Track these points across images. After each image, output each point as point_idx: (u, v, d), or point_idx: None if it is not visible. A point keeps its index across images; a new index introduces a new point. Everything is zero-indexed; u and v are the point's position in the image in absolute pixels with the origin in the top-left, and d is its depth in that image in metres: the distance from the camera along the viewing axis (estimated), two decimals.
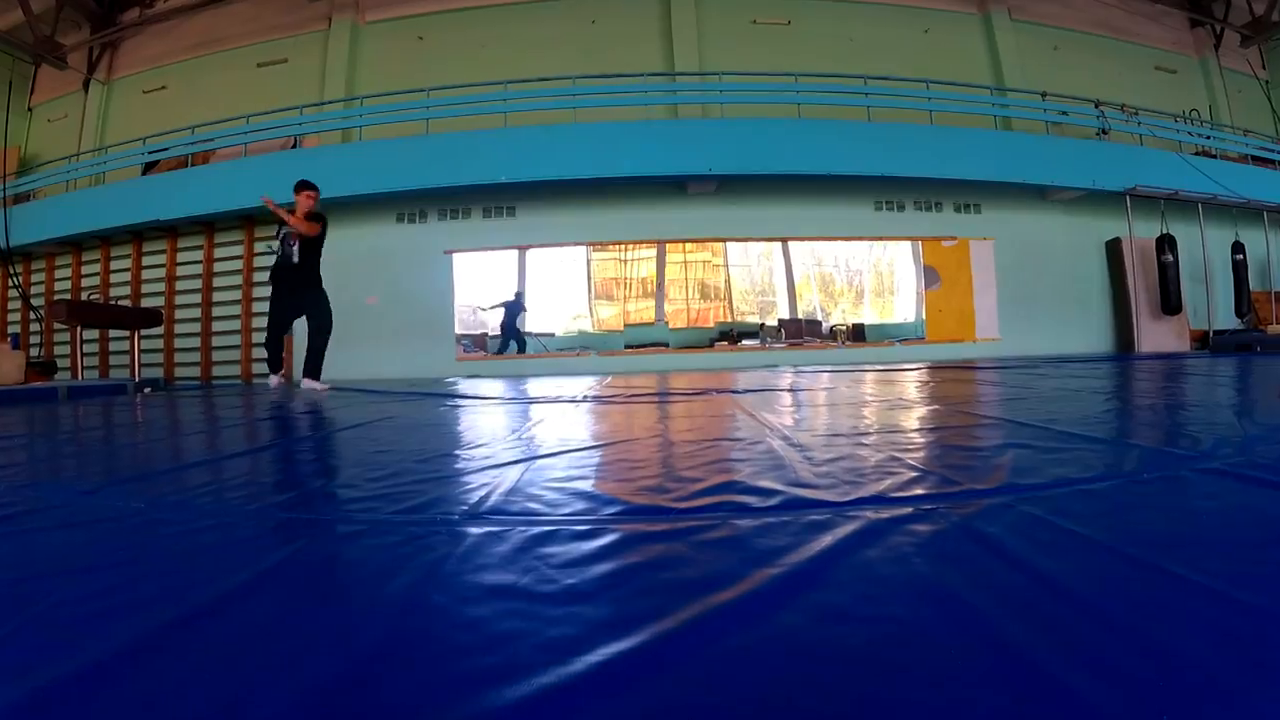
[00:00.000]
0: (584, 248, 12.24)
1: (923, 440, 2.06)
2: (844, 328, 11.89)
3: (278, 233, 5.98)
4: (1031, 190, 10.54)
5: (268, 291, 10.23)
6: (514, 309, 12.62)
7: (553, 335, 13.35)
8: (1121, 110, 10.88)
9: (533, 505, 1.29)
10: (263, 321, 10.25)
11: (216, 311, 10.50)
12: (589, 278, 13.70)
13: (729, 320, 13.12)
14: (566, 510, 1.25)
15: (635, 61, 10.83)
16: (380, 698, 0.58)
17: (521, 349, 12.27)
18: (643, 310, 13.58)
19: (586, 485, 1.49)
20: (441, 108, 9.91)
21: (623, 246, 12.72)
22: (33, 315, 11.19)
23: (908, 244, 11.79)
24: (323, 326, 6.28)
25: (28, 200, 11.67)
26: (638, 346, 11.39)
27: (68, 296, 10.75)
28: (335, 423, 3.09)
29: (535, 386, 5.96)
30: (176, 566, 0.98)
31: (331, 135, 10.62)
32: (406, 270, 10.15)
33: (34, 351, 10.59)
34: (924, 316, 11.07)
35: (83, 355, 8.45)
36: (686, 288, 13.77)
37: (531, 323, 13.22)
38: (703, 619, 0.71)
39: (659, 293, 13.22)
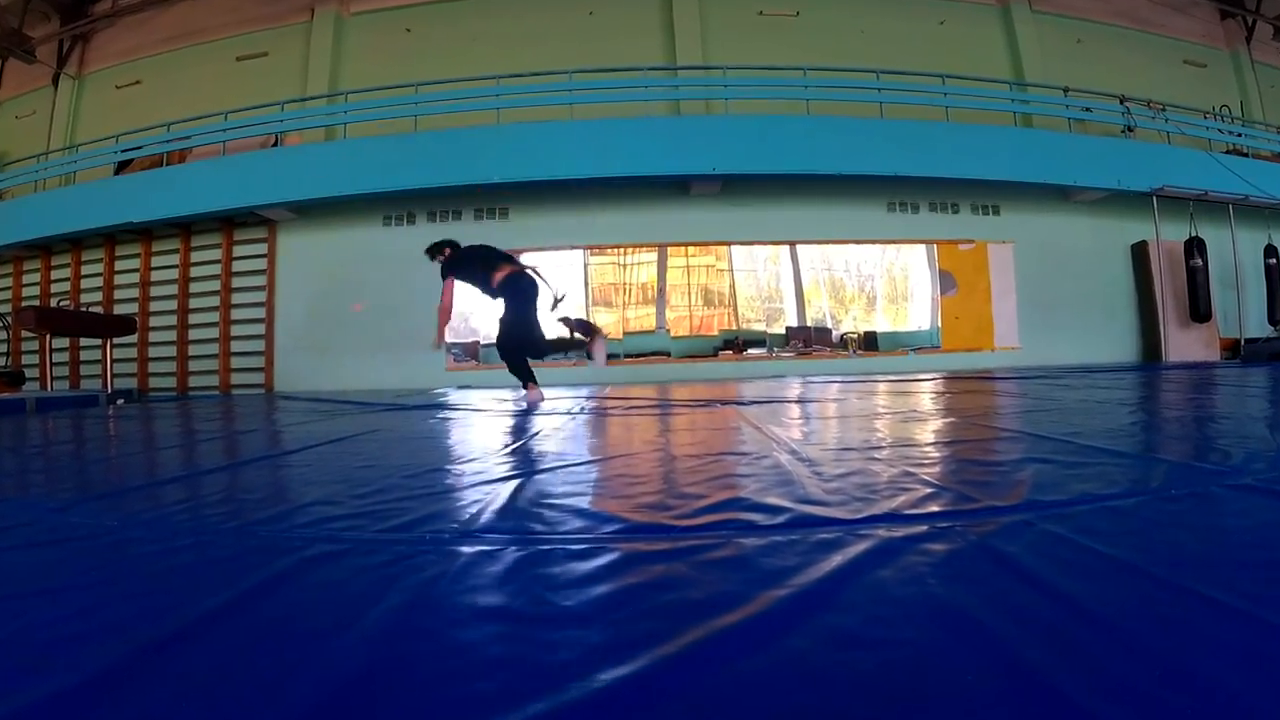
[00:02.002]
0: (581, 252, 12.22)
1: (938, 455, 2.06)
2: (855, 336, 11.88)
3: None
4: (1053, 191, 10.57)
5: (247, 298, 10.40)
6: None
7: None
8: (1148, 106, 10.92)
9: (527, 523, 1.30)
10: (242, 330, 10.35)
11: (194, 319, 10.51)
12: (586, 283, 13.69)
13: (734, 328, 13.09)
14: (563, 528, 1.25)
15: (635, 54, 10.88)
16: None
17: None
18: (643, 318, 13.56)
19: (584, 502, 1.50)
20: (430, 104, 9.94)
21: (622, 250, 12.71)
22: None
23: (922, 247, 11.79)
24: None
25: None
26: (637, 356, 11.38)
27: (36, 303, 10.77)
28: (318, 436, 3.09)
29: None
30: (151, 587, 0.99)
31: (314, 133, 10.66)
32: (394, 275, 10.16)
33: (0, 361, 10.60)
34: (940, 324, 11.08)
35: (52, 365, 8.46)
36: (689, 294, 13.75)
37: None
38: (706, 643, 0.71)
39: (660, 299, 13.21)
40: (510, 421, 3.67)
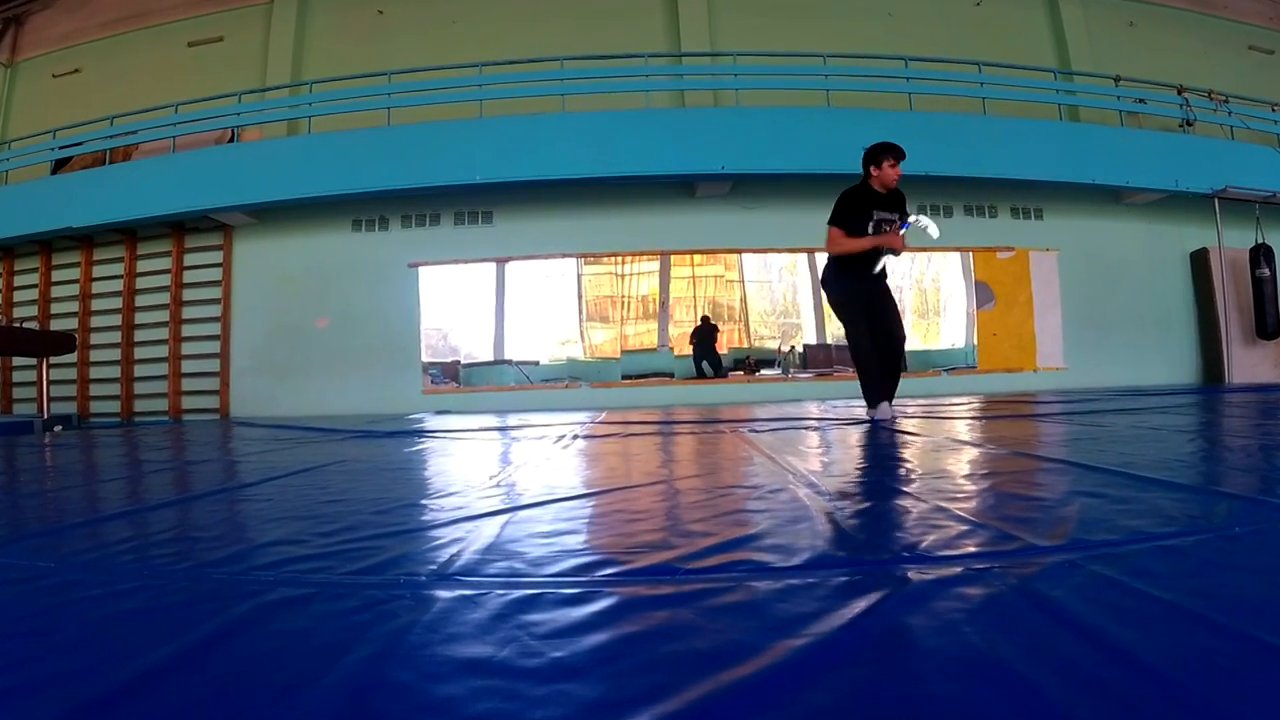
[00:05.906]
0: (574, 260, 12.27)
1: (974, 488, 2.06)
2: None
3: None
4: (1103, 192, 10.59)
5: (200, 312, 10.41)
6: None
7: (537, 364, 13.34)
8: (1209, 97, 10.97)
9: (513, 564, 1.30)
10: (195, 348, 10.35)
11: (140, 335, 10.51)
12: (580, 296, 13.73)
13: (745, 346, 13.15)
14: (553, 570, 1.25)
15: (634, 39, 10.94)
16: None
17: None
18: (643, 334, 13.60)
19: (577, 541, 1.50)
20: (405, 94, 10.01)
21: (620, 259, 12.77)
22: None
23: (956, 256, 11.83)
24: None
25: None
26: (637, 377, 11.41)
27: None
28: (280, 467, 3.09)
29: (517, 424, 5.96)
30: (92, 636, 0.99)
31: (275, 128, 10.71)
32: (364, 286, 10.19)
33: None
34: (975, 342, 11.08)
35: None
36: (695, 307, 13.80)
37: (512, 350, 13.23)
38: (713, 699, 0.71)
39: (662, 314, 13.25)
40: (494, 451, 3.67)
